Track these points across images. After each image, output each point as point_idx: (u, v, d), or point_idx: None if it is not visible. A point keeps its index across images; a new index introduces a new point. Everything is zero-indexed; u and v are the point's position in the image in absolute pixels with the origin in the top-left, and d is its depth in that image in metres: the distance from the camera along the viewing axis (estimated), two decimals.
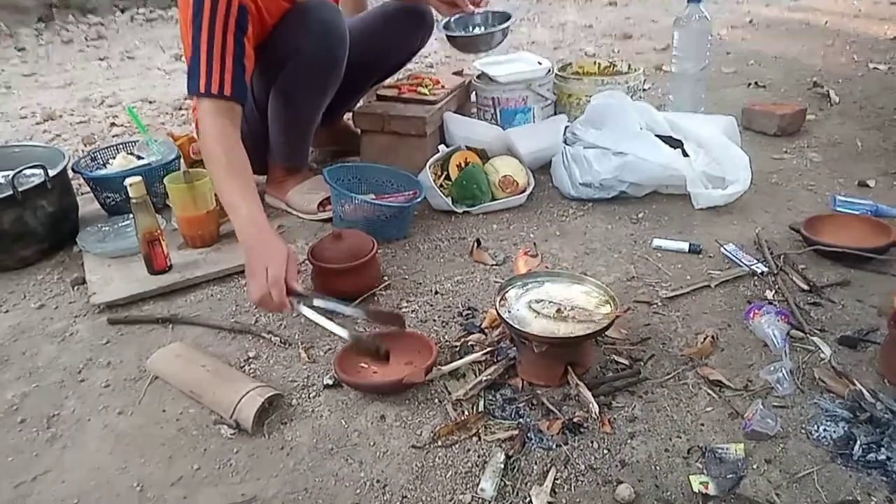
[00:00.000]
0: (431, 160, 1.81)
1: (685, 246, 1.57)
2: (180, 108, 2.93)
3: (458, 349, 1.27)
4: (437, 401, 1.15)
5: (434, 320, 1.38)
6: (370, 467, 1.03)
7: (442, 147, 1.88)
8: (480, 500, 0.96)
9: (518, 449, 1.04)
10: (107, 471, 1.06)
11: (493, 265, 1.56)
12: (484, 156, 1.91)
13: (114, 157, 1.91)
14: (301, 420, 1.14)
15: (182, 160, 1.88)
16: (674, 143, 1.81)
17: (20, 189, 1.59)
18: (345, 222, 1.67)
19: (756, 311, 1.27)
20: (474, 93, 2.21)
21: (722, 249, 1.55)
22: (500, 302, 1.23)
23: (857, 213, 1.65)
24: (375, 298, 1.46)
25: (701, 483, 0.96)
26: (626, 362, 1.21)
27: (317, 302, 1.31)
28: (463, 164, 1.83)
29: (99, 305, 1.47)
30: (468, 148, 1.90)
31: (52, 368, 1.31)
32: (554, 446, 1.04)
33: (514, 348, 1.22)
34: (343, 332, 1.25)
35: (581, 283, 1.28)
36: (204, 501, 1.00)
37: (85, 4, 5.15)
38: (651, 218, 1.73)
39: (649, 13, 4.33)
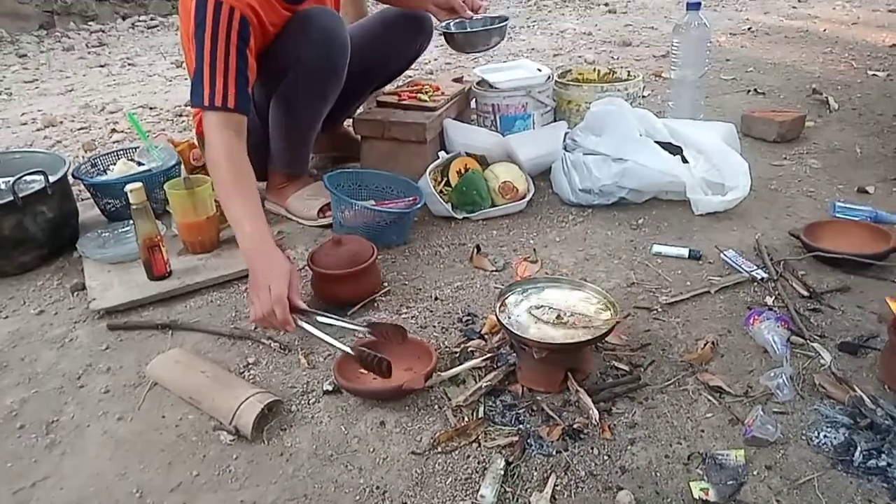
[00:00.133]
0: (431, 166, 1.81)
1: (685, 252, 1.57)
2: (181, 115, 2.94)
3: (457, 355, 1.27)
4: (436, 407, 1.15)
5: (434, 326, 1.38)
6: (370, 474, 1.03)
7: (442, 153, 1.88)
8: None
9: (518, 455, 1.03)
10: (106, 477, 1.06)
11: (492, 271, 1.56)
12: (484, 162, 1.91)
13: (114, 164, 1.91)
14: (300, 426, 1.13)
15: (182, 166, 1.88)
16: (673, 149, 1.81)
17: (20, 195, 1.59)
18: (345, 228, 1.67)
19: (756, 317, 1.27)
20: (474, 99, 2.21)
21: (722, 255, 1.55)
22: (499, 308, 1.23)
23: (856, 219, 1.65)
24: (375, 304, 1.46)
25: (701, 489, 0.96)
26: (627, 368, 1.21)
27: (319, 318, 1.31)
28: (463, 171, 1.83)
29: (98, 311, 1.47)
30: (468, 154, 1.91)
31: (51, 374, 1.31)
32: (554, 452, 1.04)
33: (514, 354, 1.21)
34: (346, 349, 1.24)
35: (581, 289, 1.28)
36: None
37: (86, 11, 5.18)
38: (651, 224, 1.74)
39: (648, 20, 4.35)
